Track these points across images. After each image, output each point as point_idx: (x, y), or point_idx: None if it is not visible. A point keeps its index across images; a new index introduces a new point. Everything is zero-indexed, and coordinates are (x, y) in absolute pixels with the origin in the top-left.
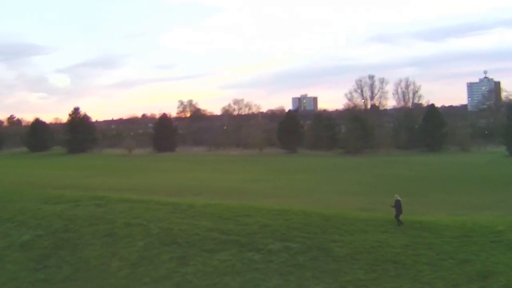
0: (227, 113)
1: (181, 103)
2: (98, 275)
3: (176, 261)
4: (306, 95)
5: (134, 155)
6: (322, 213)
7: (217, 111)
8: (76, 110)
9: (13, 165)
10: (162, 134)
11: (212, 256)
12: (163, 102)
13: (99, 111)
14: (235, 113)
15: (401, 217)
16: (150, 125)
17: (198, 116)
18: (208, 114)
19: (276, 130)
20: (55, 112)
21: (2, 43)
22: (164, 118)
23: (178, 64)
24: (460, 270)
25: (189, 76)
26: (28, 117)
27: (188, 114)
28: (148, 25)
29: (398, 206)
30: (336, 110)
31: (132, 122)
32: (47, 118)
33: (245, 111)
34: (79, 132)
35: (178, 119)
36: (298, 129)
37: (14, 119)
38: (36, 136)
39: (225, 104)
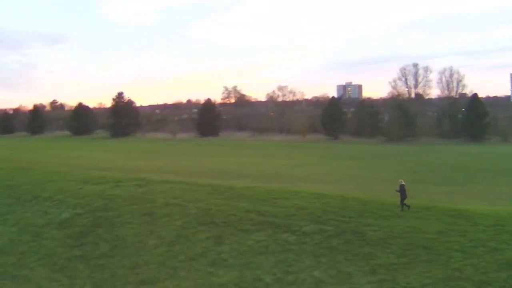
0: (271, 99)
1: (226, 89)
2: (135, 252)
3: (212, 240)
4: (351, 82)
5: (178, 139)
6: (359, 198)
7: (262, 97)
8: (120, 94)
9: (55, 147)
10: (206, 119)
11: (248, 236)
12: (208, 89)
13: (144, 96)
14: (279, 99)
15: (407, 202)
16: (195, 110)
17: (242, 102)
18: (253, 100)
19: (320, 116)
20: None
21: None
22: (209, 103)
23: (224, 51)
24: (491, 258)
25: (235, 62)
26: (71, 102)
27: (232, 100)
28: (194, 11)
29: (402, 191)
30: (381, 98)
31: (176, 107)
32: (91, 102)
33: (289, 97)
34: (123, 116)
35: (222, 104)
36: (341, 116)
37: (57, 103)
38: (79, 120)
39: (269, 90)
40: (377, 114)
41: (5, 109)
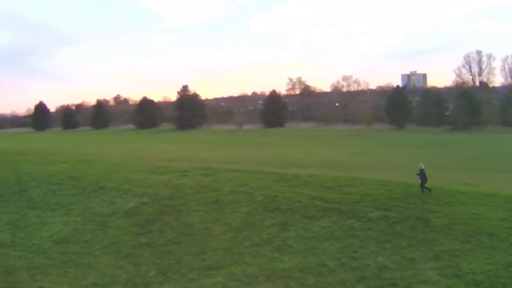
0: (336, 90)
1: (290, 80)
2: (201, 238)
3: (278, 227)
4: (415, 71)
5: (244, 131)
6: None
7: (326, 88)
8: (184, 87)
9: (120, 141)
10: (272, 110)
11: (313, 223)
12: (272, 80)
13: (209, 89)
14: (344, 89)
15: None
16: (260, 102)
17: (307, 92)
18: (317, 91)
19: (385, 106)
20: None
21: None
22: (274, 94)
23: (288, 42)
24: None
25: (299, 53)
26: (134, 96)
27: (297, 91)
28: (258, 4)
29: (422, 174)
30: (445, 86)
31: (242, 99)
32: (156, 96)
33: (353, 87)
34: (188, 109)
35: (287, 96)
36: (406, 105)
37: (121, 98)
38: (144, 113)
39: (334, 80)
40: (442, 102)
41: (67, 105)
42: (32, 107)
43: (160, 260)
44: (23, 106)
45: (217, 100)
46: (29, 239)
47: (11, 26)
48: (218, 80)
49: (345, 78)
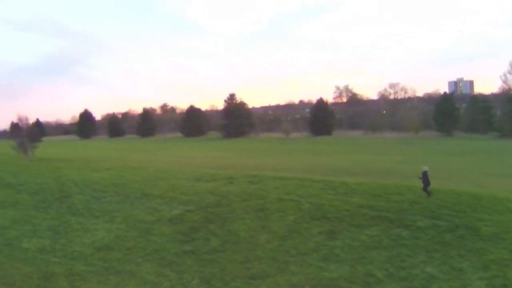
0: (383, 97)
1: (337, 88)
2: (246, 247)
3: (324, 235)
4: (462, 78)
5: (291, 139)
6: (473, 192)
7: (373, 96)
8: (231, 96)
9: (166, 148)
10: (319, 118)
11: (361, 231)
12: (319, 88)
13: (256, 97)
14: (391, 97)
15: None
16: (307, 110)
17: (354, 100)
18: (365, 98)
19: (432, 113)
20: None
21: None
22: (321, 102)
23: (334, 50)
24: None
25: (345, 61)
26: (181, 105)
27: (344, 99)
28: (304, 13)
29: (425, 177)
30: (492, 93)
31: (289, 107)
32: (203, 105)
33: (401, 94)
34: (236, 117)
35: (334, 104)
36: (454, 112)
37: (168, 107)
38: (191, 121)
39: (381, 88)
40: (490, 109)
41: (113, 113)
42: (77, 115)
43: (203, 268)
44: (68, 113)
45: (264, 108)
46: (70, 246)
47: (56, 35)
48: (265, 89)
49: (392, 86)
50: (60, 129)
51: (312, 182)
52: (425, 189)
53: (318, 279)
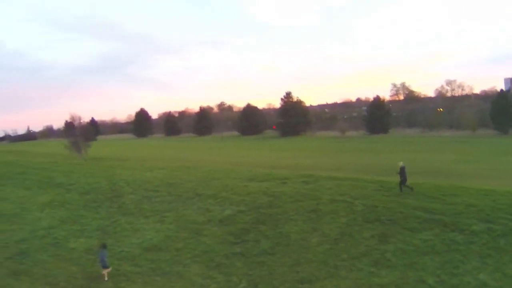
0: (440, 95)
1: (394, 85)
2: (297, 249)
3: (377, 239)
4: None
5: (348, 137)
6: None
7: (430, 93)
8: (288, 94)
9: (223, 147)
10: (376, 116)
11: (414, 235)
12: (376, 86)
13: (313, 96)
14: (448, 94)
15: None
16: (364, 108)
17: (411, 98)
18: (422, 96)
19: (489, 111)
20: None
21: None
22: (378, 100)
23: (390, 48)
24: None
25: (402, 58)
26: (239, 103)
27: (401, 97)
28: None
29: (402, 173)
30: None
31: (346, 105)
32: (260, 103)
33: (458, 92)
34: (292, 115)
35: (391, 101)
36: (509, 109)
37: (225, 105)
38: (248, 120)
39: (438, 85)
40: None
41: (170, 112)
42: (133, 114)
43: (252, 271)
44: (123, 112)
45: (321, 106)
46: (118, 246)
47: (111, 36)
48: (323, 86)
49: (449, 83)
50: (115, 128)
51: (366, 183)
52: (402, 183)
53: (368, 285)
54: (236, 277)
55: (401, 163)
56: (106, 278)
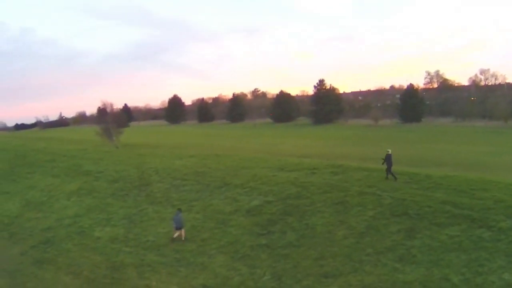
0: (473, 84)
1: (428, 73)
2: (322, 242)
3: (403, 233)
4: None
5: (380, 126)
6: None
7: (464, 82)
8: (321, 82)
9: (255, 134)
10: (409, 105)
11: (441, 231)
12: (411, 73)
13: (347, 83)
14: (482, 83)
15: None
16: (398, 96)
17: (445, 86)
18: (456, 84)
19: None
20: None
21: None
22: (411, 89)
23: (425, 35)
24: None
25: (437, 46)
26: (272, 90)
27: (435, 85)
28: None
29: (388, 159)
30: None
31: (379, 93)
32: (293, 90)
33: (491, 81)
34: (325, 103)
35: (425, 90)
36: None
37: (259, 92)
38: (281, 107)
39: (472, 74)
40: None
41: (203, 98)
42: (167, 100)
43: (276, 263)
44: (157, 99)
45: (354, 94)
46: (144, 235)
47: (145, 23)
48: (356, 74)
49: (482, 72)
50: (149, 114)
51: (396, 175)
52: (387, 170)
53: (392, 281)
54: (260, 269)
55: (389, 151)
56: (183, 238)
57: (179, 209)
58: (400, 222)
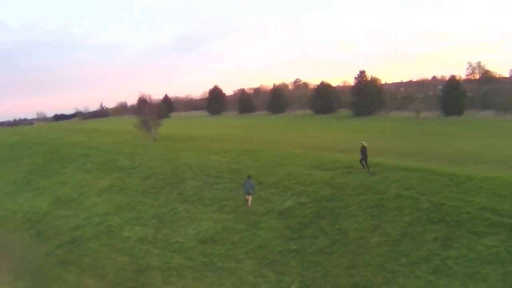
0: None
1: (470, 65)
2: (354, 249)
3: (440, 242)
4: None
5: (422, 119)
6: None
7: (506, 74)
8: (361, 73)
9: (295, 127)
10: (450, 97)
11: (479, 240)
12: (453, 64)
13: (389, 73)
14: None
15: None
16: (439, 87)
17: (487, 78)
18: (498, 76)
19: None
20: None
21: None
22: (453, 81)
23: (468, 25)
24: None
25: (480, 37)
26: (314, 81)
27: (477, 76)
28: None
29: (363, 152)
30: None
31: (421, 84)
32: (334, 81)
33: None
34: (366, 94)
35: (467, 81)
36: None
37: (300, 82)
38: (322, 98)
39: None
40: None
41: (244, 89)
42: (207, 91)
43: (306, 271)
44: (198, 89)
45: (396, 84)
46: (173, 236)
47: (190, 16)
48: (398, 65)
49: None
50: (190, 104)
51: (435, 176)
52: (364, 162)
53: None
54: (289, 277)
55: (364, 144)
56: (249, 204)
57: (249, 176)
58: (437, 229)
